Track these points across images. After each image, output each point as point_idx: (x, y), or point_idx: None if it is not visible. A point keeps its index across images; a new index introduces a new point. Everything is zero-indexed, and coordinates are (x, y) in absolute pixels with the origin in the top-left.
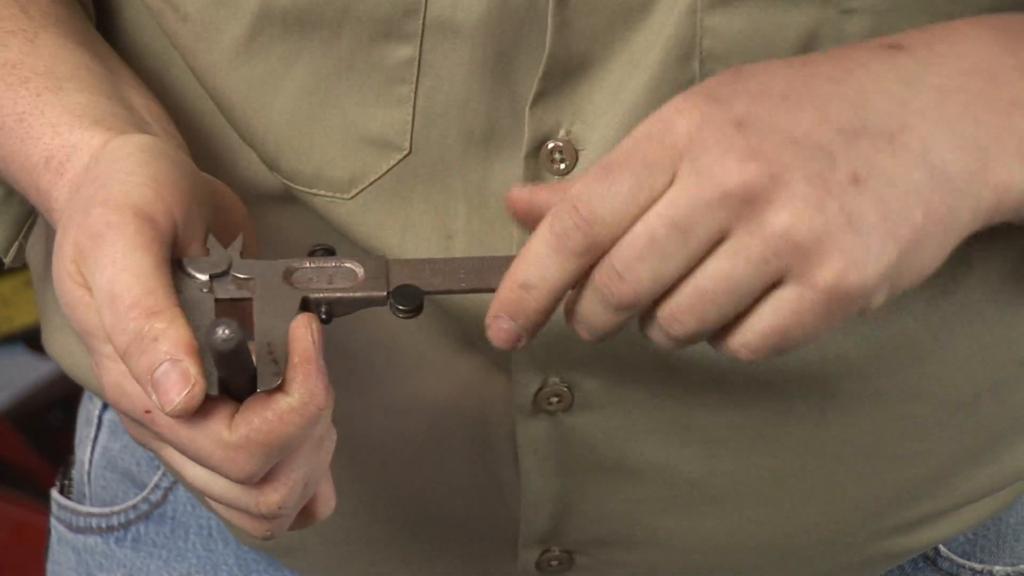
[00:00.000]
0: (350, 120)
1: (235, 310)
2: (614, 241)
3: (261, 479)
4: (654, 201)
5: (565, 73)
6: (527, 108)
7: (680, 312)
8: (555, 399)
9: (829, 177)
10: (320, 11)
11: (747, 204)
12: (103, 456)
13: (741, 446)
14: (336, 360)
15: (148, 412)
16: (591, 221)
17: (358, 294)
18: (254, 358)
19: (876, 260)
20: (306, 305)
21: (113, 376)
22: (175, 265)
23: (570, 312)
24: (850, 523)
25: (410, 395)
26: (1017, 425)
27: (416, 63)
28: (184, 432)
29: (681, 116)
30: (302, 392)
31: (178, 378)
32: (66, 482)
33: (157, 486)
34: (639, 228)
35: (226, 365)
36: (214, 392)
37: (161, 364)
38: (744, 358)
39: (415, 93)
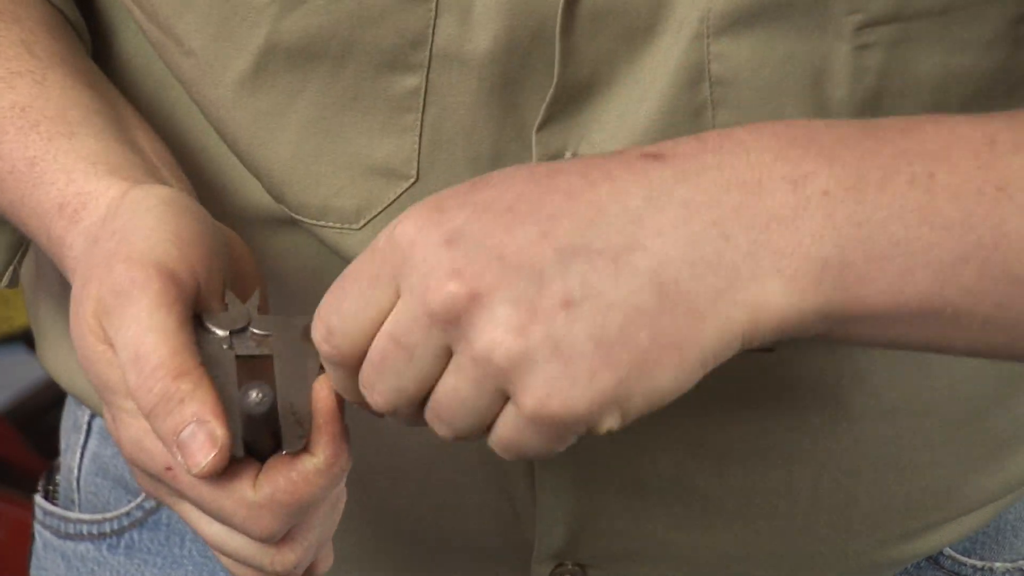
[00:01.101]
0: (356, 150)
1: (254, 365)
2: (359, 351)
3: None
4: (384, 314)
5: (571, 98)
6: (533, 132)
7: (433, 418)
8: None
9: (537, 301)
10: (326, 44)
11: (452, 324)
12: (93, 462)
13: (754, 461)
14: None
15: (169, 469)
16: (328, 334)
17: None
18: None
19: (585, 387)
20: None
21: (132, 432)
22: (195, 320)
23: None
24: (859, 533)
25: None
26: (1023, 432)
27: (422, 92)
28: (207, 491)
29: (399, 230)
30: (327, 453)
31: (205, 440)
32: (51, 488)
33: None
34: (375, 344)
35: (256, 427)
36: (240, 454)
37: (187, 425)
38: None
39: (421, 121)
